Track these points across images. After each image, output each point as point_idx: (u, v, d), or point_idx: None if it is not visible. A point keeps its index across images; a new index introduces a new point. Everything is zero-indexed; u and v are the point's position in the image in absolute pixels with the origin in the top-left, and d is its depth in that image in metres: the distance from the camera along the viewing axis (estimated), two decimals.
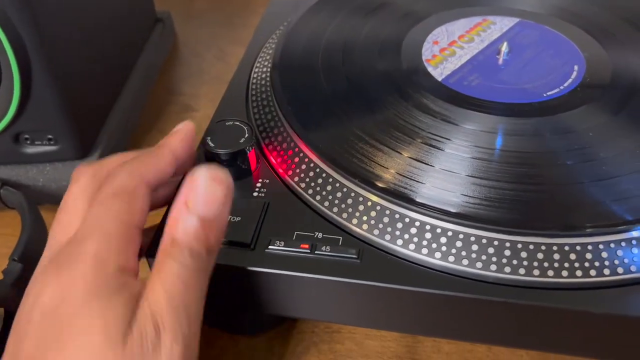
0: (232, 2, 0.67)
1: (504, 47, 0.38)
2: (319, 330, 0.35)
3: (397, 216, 0.29)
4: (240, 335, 0.36)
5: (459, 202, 0.29)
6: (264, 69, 0.40)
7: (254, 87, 0.40)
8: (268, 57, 0.41)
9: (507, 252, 0.28)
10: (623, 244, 0.28)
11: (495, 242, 0.28)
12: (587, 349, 0.28)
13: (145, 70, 0.53)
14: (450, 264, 0.28)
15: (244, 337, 0.35)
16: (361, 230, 0.30)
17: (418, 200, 0.29)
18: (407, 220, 0.29)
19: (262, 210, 0.31)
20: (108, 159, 0.29)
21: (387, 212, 0.30)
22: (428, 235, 0.29)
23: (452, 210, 0.29)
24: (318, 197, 0.31)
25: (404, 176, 0.30)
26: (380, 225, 0.29)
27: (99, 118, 0.46)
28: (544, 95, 0.35)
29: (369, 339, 0.35)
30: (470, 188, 0.30)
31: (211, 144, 0.33)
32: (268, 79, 0.39)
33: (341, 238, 0.30)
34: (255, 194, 0.32)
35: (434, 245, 0.28)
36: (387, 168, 0.31)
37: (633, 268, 0.27)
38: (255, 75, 0.40)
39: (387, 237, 0.29)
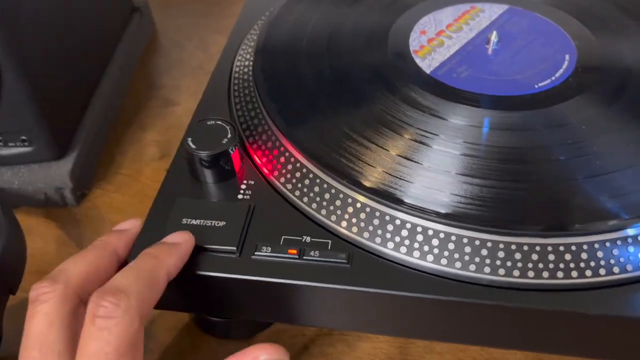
0: None
1: (494, 37, 0.37)
2: (309, 332, 0.34)
3: (387, 218, 0.28)
4: (229, 339, 0.35)
5: (451, 202, 0.28)
6: (246, 62, 0.39)
7: (236, 82, 0.38)
8: (250, 50, 0.40)
9: (501, 254, 0.27)
10: (619, 242, 0.27)
11: (489, 244, 0.27)
12: (584, 349, 0.28)
13: (123, 63, 0.51)
14: (442, 266, 0.27)
15: (232, 340, 0.35)
16: (351, 233, 0.29)
17: (409, 201, 0.28)
18: (397, 222, 0.28)
19: (248, 214, 0.30)
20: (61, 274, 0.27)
21: (377, 214, 0.29)
22: (419, 238, 0.28)
23: (444, 211, 0.28)
24: (305, 199, 0.30)
25: (394, 176, 0.29)
26: (370, 228, 0.28)
27: (74, 115, 0.44)
28: (536, 86, 0.34)
29: (360, 340, 0.34)
30: (461, 187, 0.29)
31: (192, 146, 0.31)
32: (250, 73, 0.37)
33: (330, 242, 0.29)
34: (240, 196, 0.31)
35: (426, 248, 0.27)
36: (375, 167, 0.30)
37: (629, 267, 0.26)
38: (237, 69, 0.39)
39: (378, 240, 0.28)
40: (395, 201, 0.28)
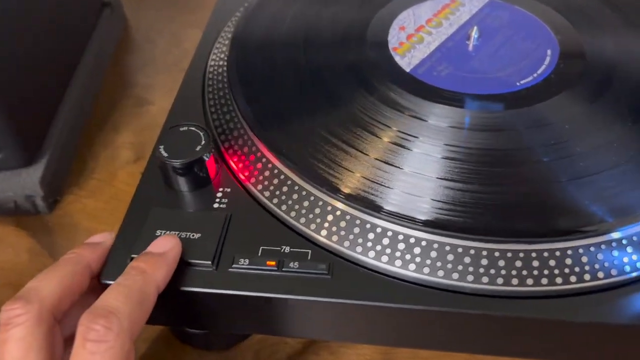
0: None
1: (474, 32, 0.36)
2: (292, 340, 0.34)
3: (368, 226, 0.28)
4: (209, 350, 0.34)
5: (432, 209, 0.27)
6: (220, 62, 0.38)
7: (210, 82, 0.37)
8: (224, 49, 0.38)
9: (484, 261, 0.26)
10: (603, 246, 0.27)
11: (472, 251, 0.26)
12: (570, 355, 0.28)
13: (94, 62, 0.49)
14: (425, 275, 0.26)
15: (213, 351, 0.34)
16: (331, 242, 0.28)
17: (389, 208, 0.27)
18: (378, 230, 0.27)
19: (224, 224, 0.29)
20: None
21: (357, 222, 0.28)
22: (401, 246, 0.27)
23: (425, 218, 0.27)
24: (284, 207, 0.29)
25: (374, 182, 0.29)
26: (351, 237, 0.28)
27: (44, 119, 0.42)
28: (517, 84, 0.33)
29: (344, 347, 0.33)
30: (443, 192, 0.28)
31: (164, 154, 0.30)
32: (225, 74, 0.36)
33: (310, 251, 0.28)
34: (216, 205, 0.30)
35: (408, 257, 0.27)
36: (355, 173, 0.29)
37: (614, 272, 0.26)
38: (211, 69, 0.38)
39: (359, 249, 0.27)
40: (376, 208, 0.28)
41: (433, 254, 0.27)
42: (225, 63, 0.37)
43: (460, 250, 0.27)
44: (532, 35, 0.37)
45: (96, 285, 0.28)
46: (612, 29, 0.37)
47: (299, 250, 0.28)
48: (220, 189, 0.31)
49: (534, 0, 0.39)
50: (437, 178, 0.29)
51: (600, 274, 0.26)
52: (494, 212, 0.27)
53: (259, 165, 0.31)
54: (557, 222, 0.27)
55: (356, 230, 0.28)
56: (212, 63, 0.38)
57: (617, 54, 0.35)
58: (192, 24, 0.56)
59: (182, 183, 0.31)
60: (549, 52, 0.35)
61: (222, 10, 0.44)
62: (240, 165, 0.32)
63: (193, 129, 0.31)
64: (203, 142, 0.31)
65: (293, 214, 0.29)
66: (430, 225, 0.27)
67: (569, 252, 0.27)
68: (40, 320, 0.24)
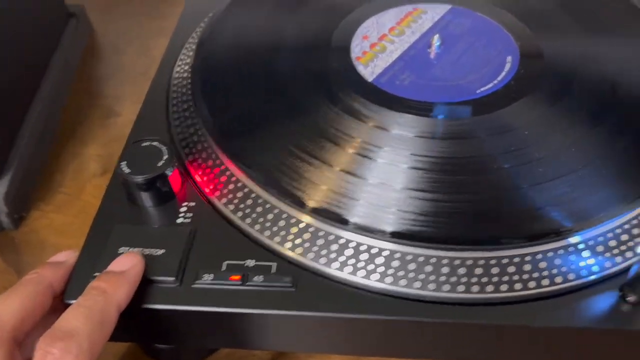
0: None
1: (435, 40, 0.36)
2: (261, 353, 0.34)
3: (331, 238, 0.28)
4: None
5: (394, 219, 0.28)
6: (185, 74, 0.37)
7: (174, 95, 0.37)
8: (188, 60, 0.38)
9: (445, 270, 0.27)
10: (561, 252, 0.27)
11: (433, 260, 0.27)
12: (531, 359, 0.28)
13: (60, 73, 0.48)
14: (388, 285, 0.27)
15: None
16: (295, 255, 0.28)
17: (352, 220, 0.28)
18: (341, 241, 0.28)
19: (188, 240, 0.29)
20: None
21: (321, 233, 0.28)
22: (364, 257, 0.27)
23: (387, 229, 0.27)
24: (248, 220, 0.29)
25: (336, 193, 0.29)
26: (315, 249, 0.28)
27: (9, 132, 0.42)
28: (478, 91, 0.33)
29: (312, 358, 0.33)
30: (404, 202, 0.28)
31: (126, 170, 0.30)
32: (189, 85, 0.36)
33: (275, 264, 0.28)
34: (180, 220, 0.30)
35: (371, 267, 0.27)
36: (318, 185, 0.29)
37: (571, 276, 0.27)
38: (175, 81, 0.37)
39: (322, 260, 0.28)
40: (339, 220, 0.28)
41: (395, 263, 0.27)
42: (189, 75, 0.36)
43: (421, 259, 0.27)
44: (493, 42, 0.37)
45: (59, 305, 0.27)
46: (571, 35, 0.37)
47: (264, 263, 0.28)
48: (185, 204, 0.31)
49: (496, 7, 0.40)
50: (400, 188, 0.29)
51: (559, 279, 0.27)
52: (454, 220, 0.28)
53: (223, 178, 0.31)
54: (516, 229, 0.27)
55: (320, 242, 0.28)
56: (177, 75, 0.38)
57: (576, 59, 0.35)
58: (162, 31, 0.55)
59: (146, 199, 0.30)
60: (509, 58, 0.36)
61: (190, 17, 0.43)
62: (205, 178, 0.31)
63: (155, 144, 0.31)
64: (165, 157, 0.30)
65: (257, 227, 0.29)
66: (392, 235, 0.27)
67: (528, 258, 0.27)
68: (0, 344, 0.24)
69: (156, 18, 0.58)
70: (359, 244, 0.28)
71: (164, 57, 0.40)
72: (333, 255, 0.28)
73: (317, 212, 0.28)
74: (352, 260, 0.27)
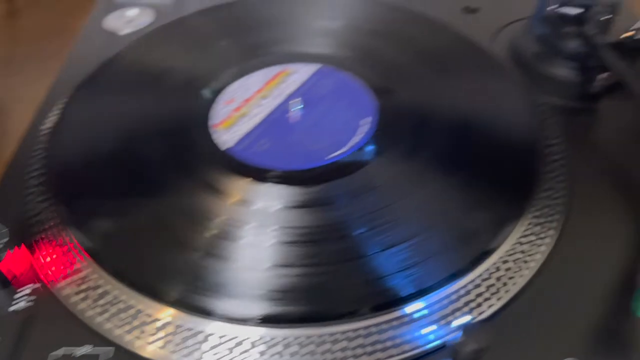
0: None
1: (295, 103, 0.37)
2: None
3: (159, 324, 0.27)
4: None
5: (227, 301, 0.27)
6: (42, 153, 0.36)
7: (32, 174, 0.35)
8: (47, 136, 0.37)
9: (292, 348, 0.26)
10: (401, 321, 0.27)
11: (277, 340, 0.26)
12: None
13: None
14: None
15: None
16: (154, 349, 0.27)
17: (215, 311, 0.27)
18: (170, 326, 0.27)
19: (21, 328, 0.28)
20: None
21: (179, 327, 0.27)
22: (229, 346, 0.27)
23: (240, 315, 0.27)
24: (82, 305, 0.28)
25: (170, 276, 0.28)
26: (151, 336, 0.27)
27: None
28: (326, 158, 0.33)
29: None
30: (234, 281, 0.28)
31: None
32: (45, 161, 0.35)
33: (113, 349, 0.27)
34: (13, 307, 0.29)
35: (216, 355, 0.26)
36: (172, 272, 0.28)
37: (407, 347, 0.27)
38: (34, 156, 0.36)
39: (152, 346, 0.27)
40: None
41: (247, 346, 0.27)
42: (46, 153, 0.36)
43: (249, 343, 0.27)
44: (354, 103, 0.37)
45: None
46: (431, 91, 0.38)
47: (103, 347, 0.27)
48: (25, 287, 0.30)
49: (361, 66, 0.40)
50: (236, 267, 0.28)
51: (407, 347, 0.26)
52: (300, 297, 0.27)
53: (67, 262, 0.30)
54: (357, 302, 0.27)
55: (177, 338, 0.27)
56: (36, 149, 0.37)
57: (429, 112, 0.36)
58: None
59: None
60: (365, 121, 0.36)
61: (63, 83, 0.43)
62: (48, 260, 0.31)
63: None
64: (3, 240, 0.29)
65: (90, 312, 0.28)
66: (242, 321, 0.27)
67: (373, 329, 0.27)
68: None
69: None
70: (220, 336, 0.27)
71: (31, 125, 0.39)
72: (155, 337, 0.27)
73: (175, 305, 0.28)
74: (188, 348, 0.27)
